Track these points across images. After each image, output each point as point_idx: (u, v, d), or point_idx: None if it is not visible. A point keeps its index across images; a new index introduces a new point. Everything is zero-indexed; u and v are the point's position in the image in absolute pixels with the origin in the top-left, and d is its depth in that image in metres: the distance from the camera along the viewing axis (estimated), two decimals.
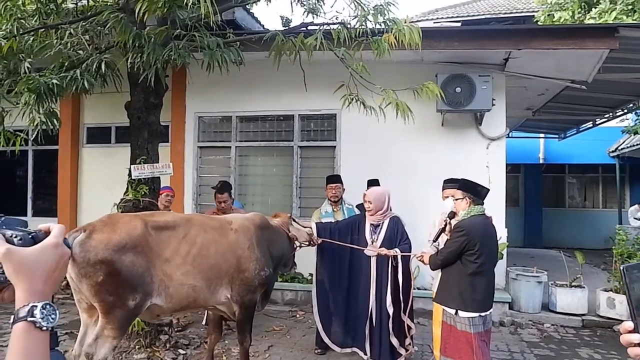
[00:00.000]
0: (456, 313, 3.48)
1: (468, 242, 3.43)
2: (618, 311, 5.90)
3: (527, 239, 13.66)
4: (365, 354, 4.44)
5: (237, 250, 3.74)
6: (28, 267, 0.80)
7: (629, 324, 0.98)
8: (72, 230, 3.22)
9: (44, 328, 0.78)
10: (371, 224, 4.48)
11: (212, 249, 3.60)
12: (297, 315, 6.22)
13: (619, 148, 13.14)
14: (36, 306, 0.78)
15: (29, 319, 0.77)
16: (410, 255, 4.28)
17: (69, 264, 2.96)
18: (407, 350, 4.41)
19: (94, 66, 4.25)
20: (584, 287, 6.22)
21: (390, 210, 4.51)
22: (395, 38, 4.08)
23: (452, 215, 3.82)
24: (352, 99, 4.44)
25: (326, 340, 4.55)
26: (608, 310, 5.98)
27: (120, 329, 3.25)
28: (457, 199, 3.68)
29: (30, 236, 0.85)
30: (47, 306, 0.79)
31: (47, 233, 0.87)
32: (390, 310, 4.30)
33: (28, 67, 4.41)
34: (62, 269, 0.87)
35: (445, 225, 3.85)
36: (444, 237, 3.82)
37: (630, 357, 0.99)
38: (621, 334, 1.00)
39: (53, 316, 0.80)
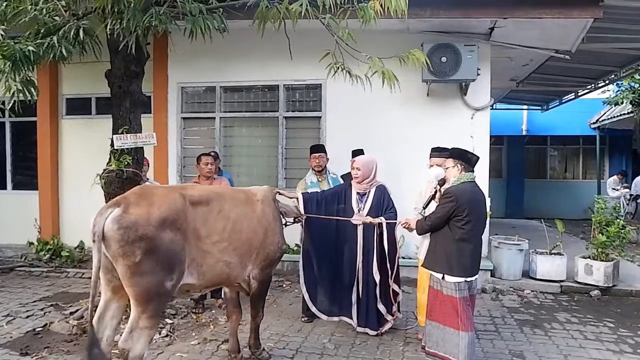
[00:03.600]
0: (443, 278, 3.55)
1: (456, 208, 3.47)
2: (595, 277, 6.08)
3: (509, 210, 13.93)
4: (355, 322, 4.53)
5: (263, 222, 3.69)
6: None
7: None
8: (104, 207, 2.99)
9: None
10: (357, 193, 4.50)
11: (245, 224, 3.53)
12: (284, 285, 6.28)
13: (600, 119, 13.33)
14: None
15: None
16: (395, 223, 4.32)
17: (102, 243, 2.85)
18: (393, 316, 4.51)
19: (72, 33, 4.11)
20: (563, 255, 6.38)
21: (376, 179, 4.53)
22: (381, 5, 4.01)
23: (443, 182, 3.86)
24: (338, 68, 4.39)
25: (313, 309, 4.60)
26: (585, 277, 6.16)
27: (156, 316, 3.01)
28: (448, 167, 3.71)
29: None
30: None
31: None
32: (377, 278, 4.37)
33: (2, 35, 4.25)
34: None
35: (436, 192, 3.89)
36: (433, 205, 3.86)
37: None
38: None
39: None
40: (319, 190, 4.93)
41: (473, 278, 3.59)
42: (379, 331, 4.47)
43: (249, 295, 3.83)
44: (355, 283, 4.47)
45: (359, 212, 4.43)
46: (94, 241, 2.86)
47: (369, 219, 4.32)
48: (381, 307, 4.44)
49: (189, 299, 5.23)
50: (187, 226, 3.13)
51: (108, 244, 2.85)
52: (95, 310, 3.07)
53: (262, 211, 3.72)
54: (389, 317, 4.48)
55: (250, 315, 3.92)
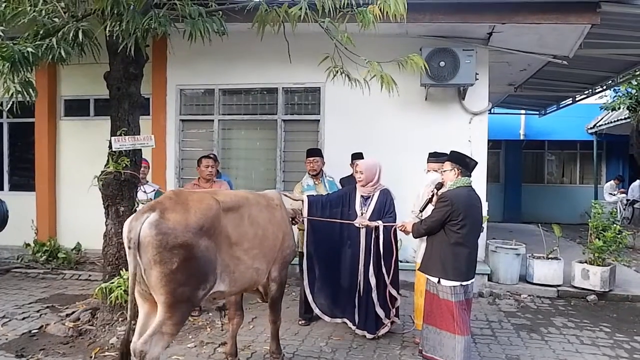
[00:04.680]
0: (439, 282, 3.56)
1: (452, 212, 3.48)
2: (592, 282, 6.09)
3: (506, 214, 13.97)
4: (354, 324, 4.53)
5: (282, 227, 3.73)
6: None
7: None
8: (138, 211, 2.92)
9: None
10: (361, 196, 4.50)
11: (270, 229, 3.54)
12: None
13: (597, 125, 13.38)
14: None
15: None
16: (392, 226, 4.32)
17: (136, 250, 2.78)
18: (390, 320, 4.50)
19: (71, 35, 4.11)
20: (559, 259, 6.39)
21: (380, 183, 4.53)
22: (380, 9, 4.03)
23: (440, 186, 3.87)
24: (337, 71, 4.40)
25: (317, 310, 4.58)
26: (582, 281, 6.17)
27: (181, 323, 2.97)
28: (445, 170, 3.72)
29: None
30: None
31: None
32: (373, 281, 4.37)
33: (1, 36, 4.25)
34: None
35: (433, 196, 3.90)
36: (430, 208, 3.87)
37: None
38: None
39: None
40: (315, 194, 4.92)
41: (469, 282, 3.60)
42: (376, 334, 4.47)
43: (264, 299, 3.83)
44: (357, 285, 4.47)
45: (362, 215, 4.43)
46: (129, 248, 2.77)
47: (366, 222, 4.33)
48: (379, 311, 4.44)
49: (214, 307, 5.23)
50: (221, 232, 3.07)
51: (143, 250, 2.75)
52: (133, 319, 3.01)
53: (281, 216, 3.76)
54: (386, 321, 4.48)
55: (269, 321, 3.90)
